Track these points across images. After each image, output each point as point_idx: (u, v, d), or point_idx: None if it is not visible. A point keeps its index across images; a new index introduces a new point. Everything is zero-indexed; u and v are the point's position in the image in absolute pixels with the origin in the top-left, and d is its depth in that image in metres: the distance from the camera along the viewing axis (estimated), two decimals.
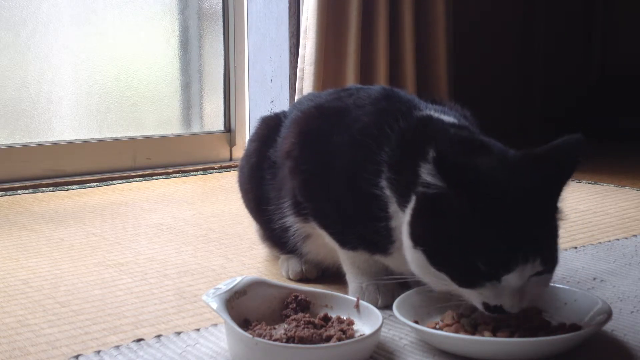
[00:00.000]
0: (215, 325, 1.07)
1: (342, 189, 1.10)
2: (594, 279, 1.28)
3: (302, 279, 1.29)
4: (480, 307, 0.94)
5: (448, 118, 1.10)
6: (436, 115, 1.10)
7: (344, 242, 1.14)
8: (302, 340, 0.91)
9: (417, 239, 0.96)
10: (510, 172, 0.94)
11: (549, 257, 0.93)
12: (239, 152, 2.64)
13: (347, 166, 1.09)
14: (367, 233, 1.08)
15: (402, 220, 1.02)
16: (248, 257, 1.46)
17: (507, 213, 0.90)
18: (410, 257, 0.98)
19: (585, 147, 0.95)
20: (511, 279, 0.90)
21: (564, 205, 0.98)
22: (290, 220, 1.22)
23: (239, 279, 1.03)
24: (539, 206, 0.93)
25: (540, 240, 0.92)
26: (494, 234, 0.90)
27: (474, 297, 0.93)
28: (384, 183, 1.04)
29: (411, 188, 0.98)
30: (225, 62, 2.74)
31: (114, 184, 2.28)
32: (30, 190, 2.16)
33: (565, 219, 0.98)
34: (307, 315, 1.01)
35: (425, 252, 0.95)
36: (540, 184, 0.93)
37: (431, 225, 0.95)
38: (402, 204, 1.01)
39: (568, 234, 1.58)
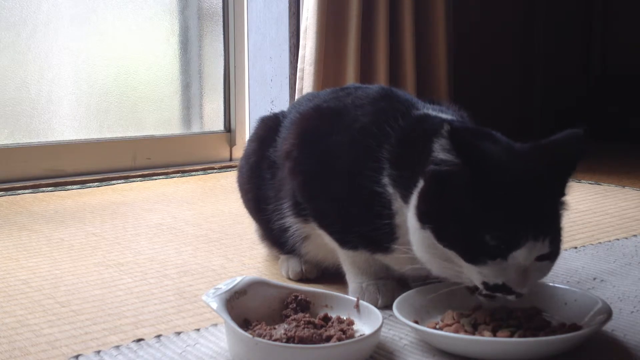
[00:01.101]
0: (215, 325, 1.07)
1: (344, 189, 1.10)
2: (594, 279, 1.28)
3: (302, 279, 1.29)
4: (479, 284, 0.94)
5: (446, 116, 1.11)
6: (434, 113, 1.11)
7: (345, 242, 1.14)
8: (302, 340, 0.91)
9: (425, 218, 0.97)
10: (520, 156, 0.96)
11: (554, 242, 0.94)
12: (239, 152, 2.64)
13: (348, 166, 1.09)
14: (369, 231, 1.08)
15: (405, 216, 1.02)
16: (248, 257, 1.46)
17: (519, 191, 0.92)
18: (416, 240, 0.99)
19: (586, 141, 0.97)
20: (519, 255, 0.91)
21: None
22: (290, 220, 1.22)
23: (239, 279, 1.03)
24: (548, 192, 0.95)
25: (548, 222, 0.94)
26: (506, 209, 0.91)
27: (475, 274, 0.94)
28: (386, 180, 1.05)
29: (414, 178, 1.00)
30: (225, 62, 2.74)
31: (114, 184, 2.28)
32: (30, 190, 2.16)
33: (568, 209, 0.99)
34: (307, 315, 1.01)
35: (434, 230, 0.95)
36: (549, 172, 0.95)
37: (441, 202, 0.95)
38: (405, 196, 1.02)
39: (568, 234, 1.58)
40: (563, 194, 0.97)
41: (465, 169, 0.92)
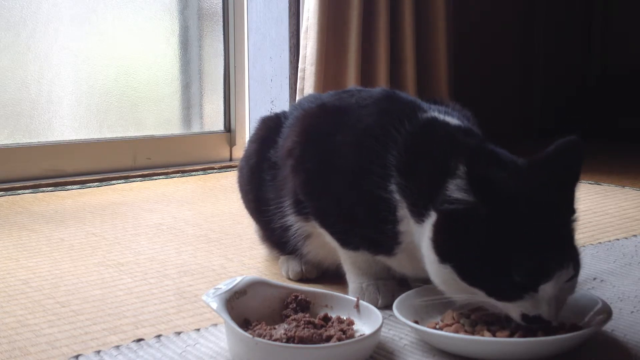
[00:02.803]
0: (215, 325, 1.07)
1: (346, 189, 1.09)
2: (594, 279, 1.28)
3: (302, 279, 1.29)
4: (518, 319, 0.92)
5: (453, 120, 1.09)
6: (441, 117, 1.09)
7: (346, 242, 1.14)
8: (302, 340, 0.91)
9: (445, 256, 0.95)
10: (530, 181, 0.94)
11: (576, 261, 0.94)
12: (239, 152, 2.64)
13: (352, 166, 1.09)
14: (372, 234, 1.08)
15: (411, 227, 1.02)
16: (248, 257, 1.46)
17: (537, 222, 0.91)
18: (435, 272, 0.97)
19: (583, 148, 0.96)
20: (549, 288, 0.90)
21: None
22: (291, 219, 1.21)
23: (239, 279, 1.03)
24: (561, 211, 0.94)
25: (569, 245, 0.94)
26: (528, 245, 0.90)
27: (511, 309, 0.92)
28: (393, 187, 1.04)
29: (427, 200, 0.98)
30: (225, 62, 2.74)
31: (114, 184, 2.28)
32: (30, 190, 2.16)
33: (579, 220, 0.98)
34: (307, 315, 1.01)
35: (456, 268, 0.94)
36: (558, 190, 0.94)
37: (461, 241, 0.94)
38: (416, 214, 1.00)
39: None
40: (574, 210, 0.96)
41: (483, 207, 0.90)
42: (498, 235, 0.91)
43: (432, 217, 0.97)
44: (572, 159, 0.96)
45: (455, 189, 0.92)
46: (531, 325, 0.92)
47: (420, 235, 1.00)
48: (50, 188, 2.20)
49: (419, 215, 1.00)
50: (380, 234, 1.07)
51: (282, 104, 2.65)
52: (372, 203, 1.06)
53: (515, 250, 0.90)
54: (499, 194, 0.91)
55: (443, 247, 0.95)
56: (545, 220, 0.91)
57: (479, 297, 0.94)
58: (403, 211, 1.03)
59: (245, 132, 2.75)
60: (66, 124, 2.44)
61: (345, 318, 1.01)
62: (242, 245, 1.55)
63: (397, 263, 1.11)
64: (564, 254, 0.91)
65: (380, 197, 1.05)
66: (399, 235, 1.05)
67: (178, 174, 2.45)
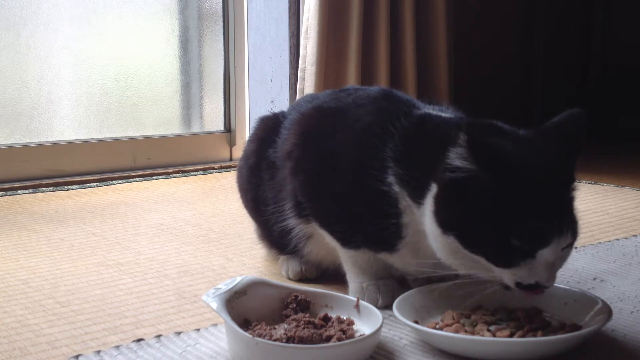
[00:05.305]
0: (215, 325, 1.07)
1: (347, 188, 1.09)
2: (594, 279, 1.28)
3: (302, 279, 1.29)
4: (513, 285, 0.94)
5: (446, 115, 1.11)
6: (435, 112, 1.11)
7: (347, 242, 1.14)
8: (302, 340, 0.91)
9: (447, 225, 0.96)
10: (531, 149, 0.96)
11: (574, 229, 0.96)
12: (239, 152, 2.63)
13: (351, 165, 1.09)
14: (375, 231, 1.08)
15: (415, 215, 1.03)
16: (248, 257, 1.46)
17: (537, 188, 0.92)
18: (439, 244, 0.98)
19: (587, 119, 0.99)
20: (547, 253, 0.92)
21: None
22: (292, 222, 1.21)
23: (239, 279, 1.03)
24: (561, 179, 0.96)
25: (567, 212, 0.95)
26: (528, 210, 0.91)
27: (508, 276, 0.94)
28: (391, 179, 1.05)
29: (426, 179, 0.99)
30: (225, 62, 2.74)
31: (114, 184, 2.28)
32: (30, 190, 2.16)
33: (578, 189, 1.00)
34: (307, 315, 1.01)
35: (458, 237, 0.95)
36: (559, 158, 0.96)
37: (462, 209, 0.95)
38: (417, 197, 1.02)
39: None
40: (574, 178, 0.98)
41: (483, 174, 0.92)
42: (498, 201, 0.92)
43: (433, 191, 0.99)
44: (575, 129, 0.99)
45: (456, 157, 0.93)
46: (525, 290, 0.94)
47: (423, 218, 1.01)
48: (50, 188, 2.20)
49: (420, 197, 1.01)
50: (383, 230, 1.07)
51: (282, 104, 2.65)
52: (373, 199, 1.06)
53: (515, 215, 0.91)
54: (499, 160, 0.92)
55: (444, 217, 0.97)
56: (545, 188, 0.93)
57: (481, 265, 0.95)
58: (404, 201, 1.04)
59: (245, 132, 2.75)
60: (66, 124, 2.44)
61: (345, 318, 1.01)
62: (242, 245, 1.55)
63: (400, 260, 1.11)
64: (563, 221, 0.93)
65: (380, 191, 1.05)
66: (402, 228, 1.06)
67: (178, 174, 2.45)
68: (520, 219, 0.91)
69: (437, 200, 0.98)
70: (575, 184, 0.99)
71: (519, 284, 0.94)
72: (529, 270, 0.93)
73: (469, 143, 0.91)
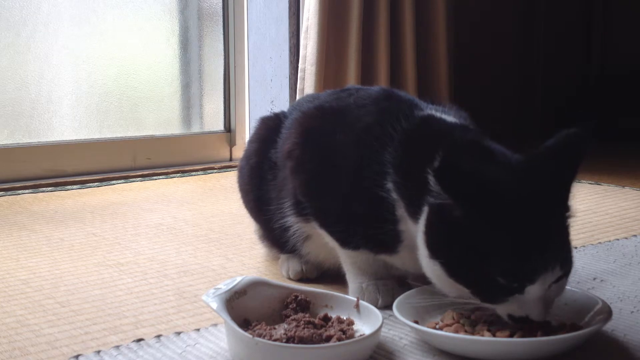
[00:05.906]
0: (215, 325, 1.07)
1: (347, 189, 1.09)
2: (594, 279, 1.28)
3: (302, 279, 1.29)
4: (505, 318, 0.92)
5: (450, 118, 1.10)
6: (438, 114, 1.09)
7: (346, 242, 1.14)
8: (302, 340, 0.91)
9: (433, 251, 0.94)
10: (518, 177, 0.91)
11: (566, 261, 0.91)
12: (239, 152, 2.64)
13: (351, 165, 1.09)
14: (373, 234, 1.08)
15: (410, 226, 1.01)
16: (248, 257, 1.46)
17: (520, 222, 0.87)
18: (427, 267, 0.97)
19: (587, 141, 0.93)
20: (534, 290, 0.88)
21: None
22: (291, 220, 1.21)
23: (239, 279, 1.03)
24: (551, 209, 0.91)
25: (556, 245, 0.90)
26: (510, 246, 0.87)
27: (499, 308, 0.92)
28: (390, 186, 1.04)
29: (421, 195, 0.96)
30: (225, 62, 2.74)
31: (114, 184, 2.28)
32: (30, 190, 2.16)
33: (575, 216, 0.95)
34: (307, 315, 1.01)
35: (443, 265, 0.93)
36: (549, 187, 0.91)
37: (445, 236, 0.92)
38: (412, 212, 1.00)
39: None
40: (568, 206, 0.93)
41: (458, 205, 0.87)
42: (478, 234, 0.88)
43: (425, 211, 0.96)
44: (572, 152, 0.93)
45: (433, 183, 0.88)
46: (518, 325, 0.92)
47: (417, 233, 0.99)
48: (50, 188, 2.20)
49: (415, 214, 0.99)
50: (381, 233, 1.07)
51: (282, 104, 2.65)
52: (371, 202, 1.05)
53: (496, 252, 0.87)
54: (474, 190, 0.87)
55: (432, 243, 0.94)
56: (529, 220, 0.87)
57: (469, 295, 0.93)
58: (401, 211, 1.03)
59: (245, 132, 2.75)
60: (66, 124, 2.44)
61: (345, 318, 1.01)
62: (242, 245, 1.55)
63: (400, 261, 1.11)
64: (551, 255, 0.88)
65: (378, 196, 1.04)
66: (400, 234, 1.05)
67: (178, 174, 2.45)
68: (502, 255, 0.87)
69: (427, 222, 0.95)
70: (570, 212, 0.93)
71: (511, 317, 0.91)
72: (518, 304, 0.90)
73: (438, 173, 0.87)
